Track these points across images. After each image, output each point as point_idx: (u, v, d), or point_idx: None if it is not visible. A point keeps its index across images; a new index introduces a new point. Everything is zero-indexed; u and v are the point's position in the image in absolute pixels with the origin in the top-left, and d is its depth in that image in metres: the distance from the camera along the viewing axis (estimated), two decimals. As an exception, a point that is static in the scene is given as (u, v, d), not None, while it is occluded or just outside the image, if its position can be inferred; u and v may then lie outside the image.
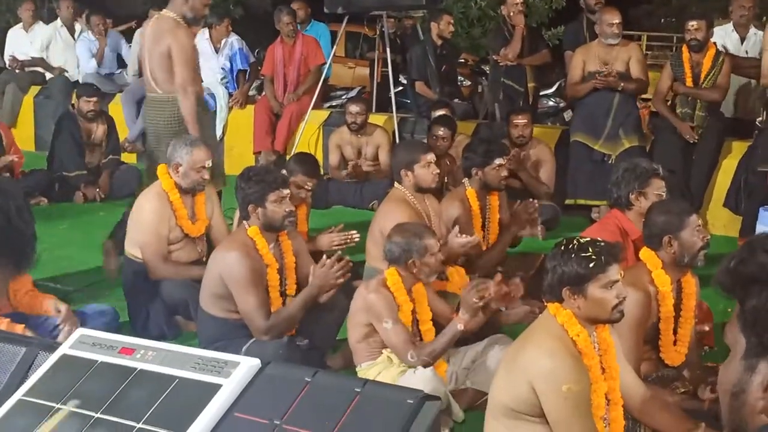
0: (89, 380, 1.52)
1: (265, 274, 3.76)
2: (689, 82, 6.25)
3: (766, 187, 5.63)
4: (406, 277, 3.51)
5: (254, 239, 3.78)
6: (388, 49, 7.57)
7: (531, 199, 4.91)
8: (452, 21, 8.27)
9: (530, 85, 7.62)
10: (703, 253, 3.36)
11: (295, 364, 2.95)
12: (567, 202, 6.50)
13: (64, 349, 1.61)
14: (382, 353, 3.48)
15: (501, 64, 7.47)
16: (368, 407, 1.37)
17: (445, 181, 6.15)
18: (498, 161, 4.76)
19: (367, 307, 3.45)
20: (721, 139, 6.37)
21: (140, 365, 1.53)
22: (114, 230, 5.09)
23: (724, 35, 6.77)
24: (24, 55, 9.25)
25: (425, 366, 3.37)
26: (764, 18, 7.94)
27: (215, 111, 8.18)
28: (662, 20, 21.53)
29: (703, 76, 6.20)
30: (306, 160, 4.95)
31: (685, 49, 6.31)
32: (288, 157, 6.50)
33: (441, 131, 6.28)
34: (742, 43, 6.69)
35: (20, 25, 9.52)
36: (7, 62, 9.41)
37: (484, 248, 4.76)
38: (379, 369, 3.46)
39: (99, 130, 7.17)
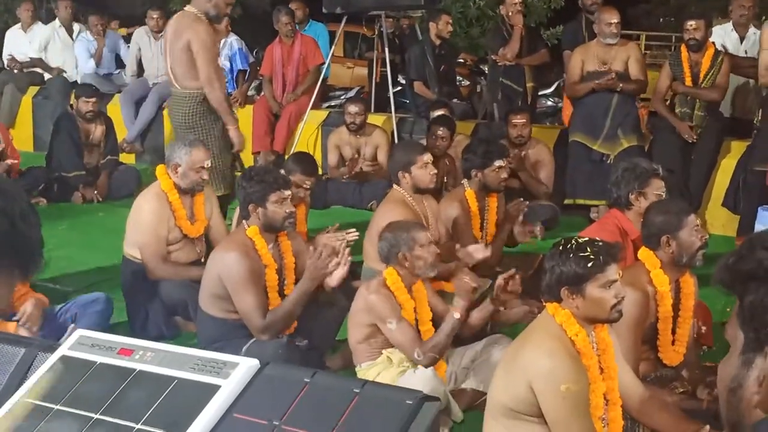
0: (88, 381, 1.52)
1: (264, 275, 3.76)
2: (688, 81, 6.25)
3: (764, 187, 5.63)
4: (405, 276, 3.52)
5: (253, 239, 3.78)
6: (386, 49, 7.57)
7: (527, 201, 4.92)
8: (451, 21, 8.28)
9: (529, 85, 7.63)
10: (701, 252, 3.36)
11: (295, 364, 2.96)
12: (566, 201, 6.50)
13: (63, 350, 1.61)
14: (381, 354, 3.49)
15: (500, 64, 7.47)
16: (367, 408, 1.38)
17: (444, 181, 6.16)
18: (498, 163, 4.76)
19: (369, 309, 3.45)
20: (720, 138, 6.37)
21: (139, 366, 1.53)
22: None
23: (724, 34, 6.77)
24: (23, 55, 9.25)
25: (432, 362, 3.39)
26: (764, 17, 7.93)
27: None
28: (661, 20, 21.54)
29: (702, 75, 6.20)
30: (304, 159, 4.95)
31: (683, 48, 6.32)
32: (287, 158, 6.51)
33: (440, 131, 6.29)
34: (741, 43, 6.70)
35: (19, 25, 9.52)
36: (6, 62, 9.41)
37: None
38: (378, 369, 3.46)
39: (97, 130, 7.17)
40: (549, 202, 6.19)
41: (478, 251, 4.32)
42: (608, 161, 6.26)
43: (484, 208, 4.87)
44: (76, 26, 9.11)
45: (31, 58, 9.12)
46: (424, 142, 6.24)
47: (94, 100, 7.06)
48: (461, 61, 10.57)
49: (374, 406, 1.38)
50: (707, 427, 2.70)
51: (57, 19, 9.16)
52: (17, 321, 3.55)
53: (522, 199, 4.93)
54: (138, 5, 11.12)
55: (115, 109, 8.45)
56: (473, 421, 3.28)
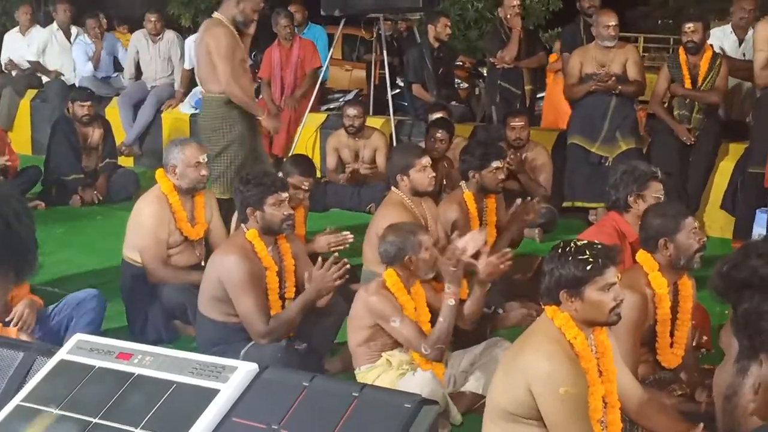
0: (87, 385, 1.52)
1: (264, 278, 3.76)
2: (687, 84, 6.26)
3: (761, 189, 5.64)
4: (404, 278, 3.52)
5: (253, 242, 3.78)
6: (385, 52, 7.58)
7: (530, 198, 4.90)
8: (449, 23, 8.28)
9: (527, 87, 7.64)
10: (699, 255, 3.37)
11: (293, 367, 2.96)
12: (564, 204, 6.50)
13: (61, 354, 1.61)
14: (381, 356, 3.49)
15: (498, 66, 7.48)
16: (366, 412, 1.38)
17: (443, 183, 6.16)
18: (495, 164, 4.76)
19: (371, 310, 3.45)
20: (718, 141, 6.38)
21: (138, 370, 1.53)
22: None
23: (722, 36, 6.78)
24: (20, 58, 9.25)
25: (439, 354, 3.40)
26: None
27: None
28: (659, 22, 21.59)
29: (701, 78, 6.21)
30: (301, 161, 4.96)
31: (681, 51, 6.33)
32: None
33: (439, 134, 6.29)
34: (739, 45, 6.70)
35: (17, 29, 9.52)
36: (3, 65, 9.40)
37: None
38: (378, 372, 3.46)
39: (95, 133, 7.17)
40: (547, 205, 6.20)
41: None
42: (606, 164, 6.27)
43: (483, 210, 4.87)
44: (74, 29, 9.11)
45: (29, 61, 9.11)
46: (422, 144, 6.24)
47: (89, 103, 7.04)
48: (459, 63, 10.59)
49: (373, 410, 1.38)
50: (701, 425, 2.70)
51: (55, 22, 9.15)
52: (16, 326, 3.55)
53: (531, 199, 4.89)
54: (136, 8, 11.12)
55: (114, 112, 8.45)
56: (472, 425, 3.28)
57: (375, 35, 7.95)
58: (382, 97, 7.89)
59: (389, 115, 7.52)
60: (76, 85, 8.56)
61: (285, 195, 3.83)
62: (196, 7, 13.87)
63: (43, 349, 1.68)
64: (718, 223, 6.31)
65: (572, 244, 2.71)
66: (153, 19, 8.51)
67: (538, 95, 8.80)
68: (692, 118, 6.27)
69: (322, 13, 7.45)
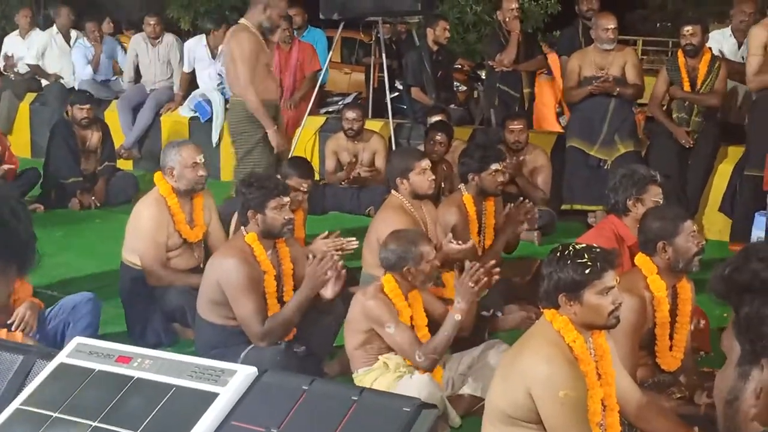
0: (86, 389, 1.52)
1: (263, 281, 3.76)
2: (686, 87, 6.26)
3: (757, 192, 5.65)
4: (402, 284, 3.52)
5: (252, 246, 3.78)
6: (383, 55, 7.58)
7: (523, 199, 4.90)
8: (448, 26, 8.29)
9: (526, 90, 7.64)
10: (697, 258, 3.37)
11: (292, 371, 2.96)
12: (563, 207, 6.51)
13: (61, 358, 1.61)
14: (378, 359, 3.49)
15: (497, 69, 7.49)
16: (365, 415, 1.38)
17: (442, 186, 6.16)
18: (494, 167, 4.76)
19: (367, 314, 3.45)
20: (716, 144, 6.38)
21: (137, 374, 1.53)
22: None
23: (722, 39, 6.79)
24: (19, 59, 9.24)
25: (432, 364, 3.39)
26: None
27: (211, 117, 8.20)
28: (658, 25, 21.61)
29: (700, 81, 6.21)
30: (299, 163, 4.96)
31: (680, 54, 6.33)
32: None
33: (438, 137, 6.30)
34: (739, 48, 6.71)
35: (17, 32, 9.52)
36: (2, 66, 9.39)
37: (480, 253, 4.76)
38: (375, 375, 3.46)
39: (94, 137, 7.16)
40: (546, 208, 6.20)
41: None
42: (605, 166, 6.28)
43: (482, 213, 4.87)
44: (73, 33, 9.11)
45: (28, 65, 9.11)
46: (421, 147, 6.25)
47: (88, 107, 7.04)
48: (458, 66, 10.59)
49: (372, 414, 1.38)
50: (695, 429, 2.70)
51: (54, 25, 9.15)
52: (18, 328, 3.54)
53: (525, 200, 4.89)
54: (135, 11, 11.13)
55: (113, 115, 8.45)
56: (471, 428, 3.29)
57: (374, 38, 7.94)
58: (381, 100, 7.89)
59: (388, 118, 7.52)
60: (76, 88, 8.56)
61: (286, 199, 3.83)
62: (195, 10, 13.89)
63: (42, 352, 1.68)
64: (716, 226, 6.31)
65: (571, 248, 2.71)
66: (152, 22, 8.52)
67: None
68: (691, 121, 6.28)
69: (321, 16, 7.45)
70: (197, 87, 8.38)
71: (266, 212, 3.76)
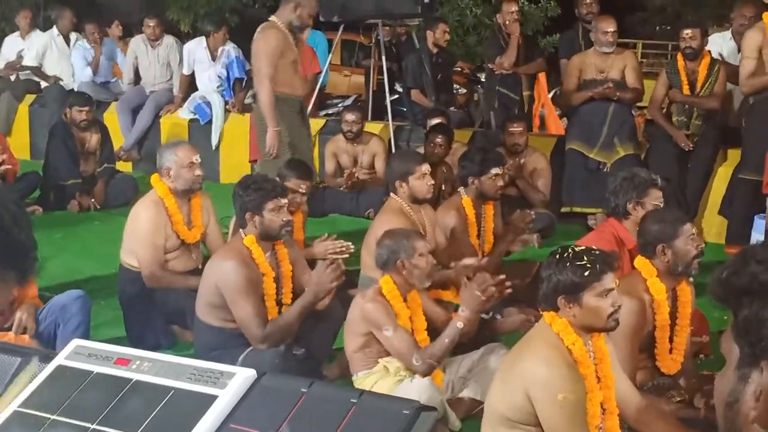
0: (85, 391, 1.52)
1: (262, 283, 3.76)
2: (686, 90, 6.27)
3: (754, 195, 5.66)
4: (401, 285, 3.51)
5: (250, 248, 3.77)
6: (383, 58, 7.58)
7: (527, 210, 4.92)
8: (448, 29, 8.29)
9: (525, 93, 7.65)
10: (697, 261, 3.37)
11: (291, 373, 2.96)
12: (562, 209, 6.51)
13: (59, 360, 1.61)
14: (378, 362, 3.48)
15: (496, 72, 7.49)
16: (364, 418, 1.38)
17: (442, 189, 6.16)
18: (494, 170, 4.76)
19: (365, 317, 3.45)
20: (716, 147, 6.39)
21: (136, 376, 1.53)
22: None
23: (722, 42, 6.80)
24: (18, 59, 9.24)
25: (430, 369, 3.37)
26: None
27: (211, 119, 8.20)
28: (657, 28, 21.61)
29: (699, 84, 6.22)
30: (297, 164, 4.96)
31: (680, 57, 6.34)
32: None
33: (438, 139, 6.31)
34: (738, 52, 6.71)
35: (17, 33, 9.52)
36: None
37: (479, 257, 4.76)
38: (375, 378, 3.45)
39: (93, 139, 7.16)
40: (546, 210, 6.20)
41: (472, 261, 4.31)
42: (605, 169, 6.28)
43: (481, 216, 4.87)
44: (72, 35, 9.11)
45: (28, 66, 9.11)
46: (421, 150, 6.25)
47: (87, 108, 7.04)
48: (458, 69, 10.60)
49: (371, 417, 1.38)
50: None
51: (55, 27, 9.15)
52: (17, 332, 3.54)
53: (528, 211, 4.91)
54: (135, 13, 11.12)
55: (112, 117, 8.45)
56: (470, 431, 3.28)
57: (374, 41, 7.94)
58: (380, 103, 7.89)
59: (388, 120, 7.52)
60: (75, 90, 8.56)
61: (284, 201, 3.82)
62: (195, 12, 13.87)
63: (41, 354, 1.68)
64: (716, 229, 6.31)
65: (570, 250, 2.71)
66: (152, 24, 8.52)
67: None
68: (691, 124, 6.28)
69: (321, 18, 7.45)
70: (197, 89, 8.39)
71: (264, 214, 3.75)
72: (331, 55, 8.46)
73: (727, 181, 6.23)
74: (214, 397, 1.45)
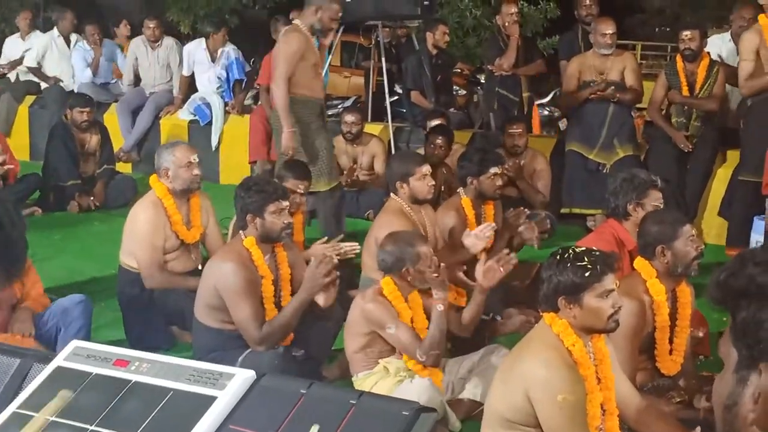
0: (84, 392, 1.52)
1: (260, 286, 3.75)
2: (685, 91, 6.27)
3: (753, 196, 5.66)
4: (401, 286, 3.52)
5: (250, 250, 3.77)
6: (383, 59, 7.58)
7: (522, 208, 4.91)
8: (447, 31, 8.29)
9: (525, 94, 7.64)
10: (696, 262, 3.37)
11: (291, 374, 2.95)
12: (562, 210, 6.51)
13: (58, 361, 1.61)
14: (378, 363, 3.48)
15: (496, 73, 7.48)
16: (363, 419, 1.38)
17: (442, 190, 6.16)
18: (493, 170, 4.76)
19: (367, 317, 3.45)
20: (715, 148, 6.39)
21: (135, 377, 1.52)
22: None
23: (721, 44, 6.80)
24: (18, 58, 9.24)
25: (435, 360, 3.40)
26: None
27: (211, 121, 8.20)
28: (656, 30, 21.60)
29: (698, 85, 6.22)
30: (295, 165, 4.96)
31: (679, 58, 6.34)
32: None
33: (438, 140, 6.31)
34: (737, 53, 6.71)
35: (17, 34, 9.52)
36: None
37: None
38: (375, 379, 3.46)
39: (93, 139, 7.17)
40: (545, 212, 6.20)
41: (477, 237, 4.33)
42: (604, 170, 6.28)
43: (481, 216, 4.87)
44: (73, 36, 9.11)
45: (28, 67, 9.11)
46: (421, 151, 6.25)
47: (88, 110, 7.04)
48: (458, 70, 10.59)
49: (371, 418, 1.38)
50: (698, 428, 2.69)
51: (55, 28, 9.15)
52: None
53: (522, 208, 4.92)
54: (135, 14, 11.13)
55: (112, 118, 8.45)
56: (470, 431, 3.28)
57: (374, 42, 7.94)
58: (380, 104, 7.89)
59: (387, 121, 7.52)
60: (75, 91, 8.56)
61: (285, 203, 3.82)
62: (195, 13, 13.88)
63: (39, 355, 1.68)
64: (715, 230, 6.32)
65: (571, 251, 2.71)
66: (152, 25, 8.52)
67: (536, 102, 8.81)
68: (690, 125, 6.28)
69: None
70: (197, 90, 8.39)
71: (265, 216, 3.75)
72: (330, 56, 8.45)
73: (726, 182, 6.23)
74: (213, 399, 1.44)
